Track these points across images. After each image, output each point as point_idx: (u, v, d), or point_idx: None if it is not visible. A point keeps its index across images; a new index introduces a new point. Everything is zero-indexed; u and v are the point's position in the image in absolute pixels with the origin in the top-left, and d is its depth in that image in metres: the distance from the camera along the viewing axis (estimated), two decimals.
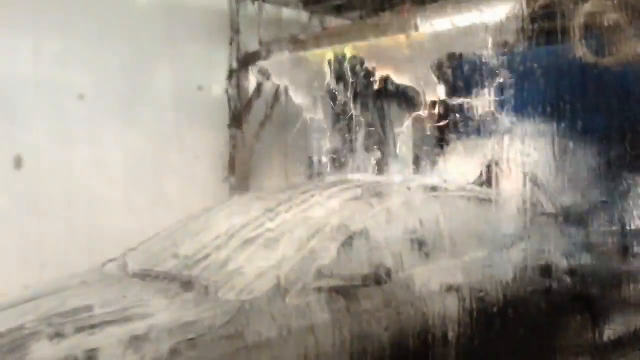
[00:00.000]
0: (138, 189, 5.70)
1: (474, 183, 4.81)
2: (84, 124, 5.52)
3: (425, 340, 3.70)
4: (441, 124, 5.46)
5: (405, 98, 5.82)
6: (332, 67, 5.85)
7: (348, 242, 3.64)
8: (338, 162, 5.84)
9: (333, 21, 6.83)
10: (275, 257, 3.49)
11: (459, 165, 5.25)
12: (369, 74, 6.03)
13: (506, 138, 5.11)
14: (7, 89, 5.16)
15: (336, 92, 5.80)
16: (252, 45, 6.42)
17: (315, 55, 5.94)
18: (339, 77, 5.80)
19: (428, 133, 5.45)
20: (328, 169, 5.83)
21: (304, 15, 6.78)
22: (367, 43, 5.55)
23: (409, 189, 4.27)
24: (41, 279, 3.91)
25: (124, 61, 5.78)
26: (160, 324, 2.90)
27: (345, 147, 5.91)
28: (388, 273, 3.51)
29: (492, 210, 4.52)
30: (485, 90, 4.75)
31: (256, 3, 6.53)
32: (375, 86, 5.85)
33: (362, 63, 5.75)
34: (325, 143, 5.93)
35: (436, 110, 5.45)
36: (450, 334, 3.81)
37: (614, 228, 4.90)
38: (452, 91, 5.27)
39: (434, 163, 5.27)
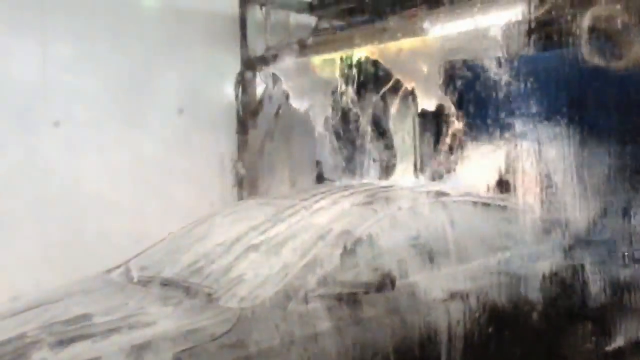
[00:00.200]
0: (147, 194, 5.69)
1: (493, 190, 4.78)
2: (92, 129, 5.53)
3: (430, 349, 3.67)
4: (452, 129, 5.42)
5: (414, 102, 5.78)
6: (340, 71, 5.84)
7: (352, 248, 3.63)
8: (346, 167, 5.83)
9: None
10: (279, 264, 3.49)
11: (472, 171, 5.22)
12: (377, 77, 6.02)
13: (519, 143, 5.07)
14: (14, 92, 5.17)
15: (344, 96, 5.79)
16: (261, 51, 6.42)
17: (323, 59, 5.93)
18: (347, 81, 5.79)
19: (436, 137, 5.41)
20: (336, 173, 5.82)
21: (312, 20, 6.77)
22: (376, 46, 5.52)
23: (414, 194, 4.25)
24: (47, 285, 3.90)
25: (133, 66, 5.79)
26: (161, 332, 2.91)
27: (353, 151, 5.90)
28: (392, 280, 3.49)
29: (502, 216, 4.49)
30: (493, 95, 4.71)
31: (264, 8, 6.52)
32: (385, 90, 5.83)
33: (369, 66, 5.73)
34: (332, 147, 5.92)
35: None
36: (456, 342, 3.78)
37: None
38: (460, 97, 5.22)
39: (446, 169, 5.25)
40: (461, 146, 5.20)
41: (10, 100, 5.15)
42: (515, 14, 4.53)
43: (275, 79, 6.28)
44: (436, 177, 5.21)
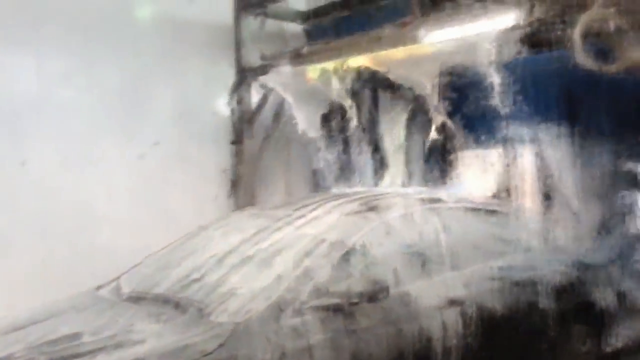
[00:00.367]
0: (143, 207, 5.69)
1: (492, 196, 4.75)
2: (87, 142, 5.52)
3: (426, 358, 3.62)
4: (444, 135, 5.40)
5: (409, 108, 5.77)
6: (334, 80, 5.82)
7: (345, 258, 3.60)
8: (341, 175, 5.81)
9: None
10: (271, 276, 3.45)
11: (468, 177, 5.19)
12: (372, 85, 6.01)
13: (514, 147, 5.05)
14: (10, 106, 5.17)
15: (338, 105, 5.77)
16: (256, 60, 6.41)
17: (317, 68, 5.91)
18: (342, 89, 5.76)
19: (430, 144, 5.36)
20: (331, 182, 5.79)
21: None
22: (370, 55, 5.51)
23: (408, 201, 4.21)
24: (44, 300, 3.86)
25: (127, 78, 5.78)
26: (150, 350, 2.87)
27: (348, 160, 5.87)
28: (386, 289, 3.46)
29: (496, 221, 4.45)
30: (487, 100, 4.69)
31: (258, 18, 6.51)
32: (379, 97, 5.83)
33: (363, 75, 5.71)
34: (328, 156, 5.89)
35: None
36: (453, 350, 3.73)
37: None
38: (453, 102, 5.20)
39: (442, 175, 5.22)
40: (456, 151, 5.17)
41: (4, 114, 5.15)
42: (508, 20, 4.53)
43: (270, 88, 6.26)
44: (432, 183, 5.18)
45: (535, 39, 4.50)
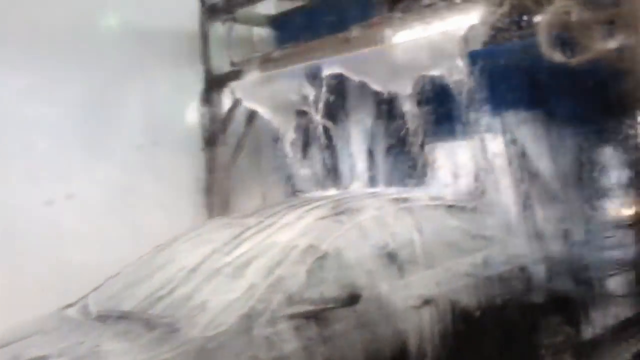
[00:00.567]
0: (113, 220, 5.58)
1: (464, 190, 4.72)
2: (53, 156, 5.41)
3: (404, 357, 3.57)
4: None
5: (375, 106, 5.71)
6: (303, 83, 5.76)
7: (318, 263, 3.54)
8: (315, 179, 5.75)
9: None
10: (243, 286, 3.39)
11: (440, 172, 5.15)
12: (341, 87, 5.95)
13: (486, 139, 5.01)
14: None
15: (307, 109, 5.70)
16: (225, 67, 6.33)
17: (286, 72, 5.85)
18: (311, 92, 5.70)
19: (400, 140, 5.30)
20: (304, 186, 5.73)
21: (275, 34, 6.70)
22: (340, 56, 5.46)
23: (380, 202, 4.17)
24: (7, 324, 3.75)
25: (94, 90, 5.67)
26: None
27: (319, 163, 5.82)
28: (360, 292, 3.40)
29: (470, 218, 4.42)
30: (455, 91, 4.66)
31: (227, 24, 6.43)
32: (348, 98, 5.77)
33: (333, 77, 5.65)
34: (300, 160, 5.83)
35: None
36: (429, 350, 3.69)
37: None
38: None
39: (413, 173, 5.17)
40: (427, 147, 5.12)
41: None
42: (475, 16, 4.52)
43: (240, 94, 6.18)
44: (403, 181, 5.14)
45: (503, 32, 4.51)
